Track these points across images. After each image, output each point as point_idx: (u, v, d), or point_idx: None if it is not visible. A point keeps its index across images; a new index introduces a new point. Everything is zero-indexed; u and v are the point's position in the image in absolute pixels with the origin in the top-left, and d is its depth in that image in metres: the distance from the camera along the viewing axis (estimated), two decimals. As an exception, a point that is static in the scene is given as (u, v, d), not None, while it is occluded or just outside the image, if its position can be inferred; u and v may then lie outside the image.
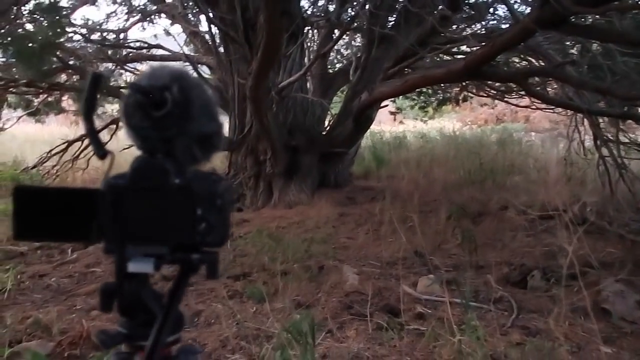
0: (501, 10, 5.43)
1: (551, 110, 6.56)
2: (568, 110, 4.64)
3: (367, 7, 4.21)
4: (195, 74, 6.16)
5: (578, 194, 4.48)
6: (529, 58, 4.67)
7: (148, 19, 7.32)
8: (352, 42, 7.65)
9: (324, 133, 5.68)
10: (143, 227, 0.55)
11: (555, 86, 5.45)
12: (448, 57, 5.86)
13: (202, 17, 5.97)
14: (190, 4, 6.13)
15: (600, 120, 3.87)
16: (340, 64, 7.84)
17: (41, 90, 6.21)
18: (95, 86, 0.55)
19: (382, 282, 2.88)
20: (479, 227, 3.97)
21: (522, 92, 6.32)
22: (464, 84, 7.55)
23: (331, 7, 6.08)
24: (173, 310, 0.56)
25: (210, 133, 0.59)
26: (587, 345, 2.17)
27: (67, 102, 7.20)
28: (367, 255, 3.48)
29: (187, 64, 6.59)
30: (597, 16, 3.64)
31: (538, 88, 5.50)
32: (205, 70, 6.71)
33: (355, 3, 4.02)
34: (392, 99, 10.24)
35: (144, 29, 9.16)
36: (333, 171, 5.76)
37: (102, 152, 0.57)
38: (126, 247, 0.54)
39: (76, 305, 2.61)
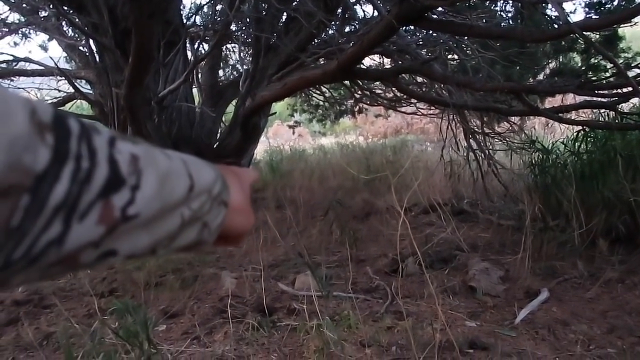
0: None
1: (435, 116, 6.93)
2: (444, 111, 4.88)
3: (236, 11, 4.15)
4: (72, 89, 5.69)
5: (458, 188, 4.72)
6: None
7: (20, 32, 6.73)
8: (243, 55, 7.58)
9: (215, 145, 5.49)
10: None
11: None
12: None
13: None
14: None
15: (467, 114, 4.12)
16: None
17: None
18: None
19: (260, 284, 2.76)
20: (365, 226, 4.00)
21: (412, 101, 6.63)
22: (357, 96, 7.77)
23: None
24: None
25: None
26: (454, 322, 2.20)
27: None
28: (251, 260, 3.35)
29: (62, 78, 6.15)
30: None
31: (420, 90, 5.76)
32: (85, 86, 6.27)
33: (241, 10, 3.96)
34: (293, 111, 10.31)
35: (15, 44, 8.48)
36: (225, 183, 5.56)
37: None
38: None
39: None
